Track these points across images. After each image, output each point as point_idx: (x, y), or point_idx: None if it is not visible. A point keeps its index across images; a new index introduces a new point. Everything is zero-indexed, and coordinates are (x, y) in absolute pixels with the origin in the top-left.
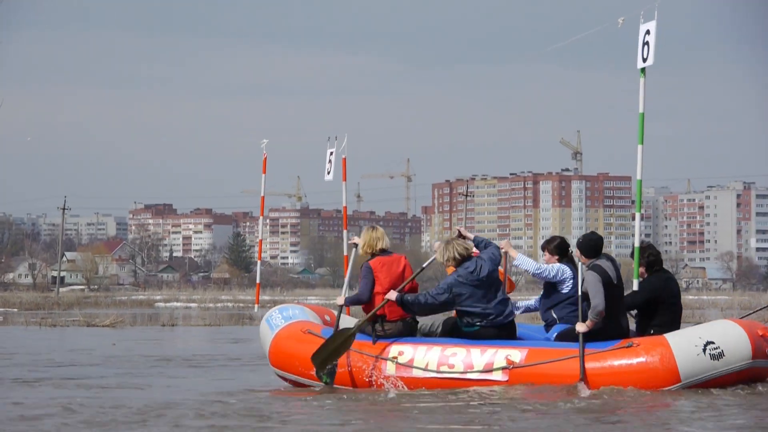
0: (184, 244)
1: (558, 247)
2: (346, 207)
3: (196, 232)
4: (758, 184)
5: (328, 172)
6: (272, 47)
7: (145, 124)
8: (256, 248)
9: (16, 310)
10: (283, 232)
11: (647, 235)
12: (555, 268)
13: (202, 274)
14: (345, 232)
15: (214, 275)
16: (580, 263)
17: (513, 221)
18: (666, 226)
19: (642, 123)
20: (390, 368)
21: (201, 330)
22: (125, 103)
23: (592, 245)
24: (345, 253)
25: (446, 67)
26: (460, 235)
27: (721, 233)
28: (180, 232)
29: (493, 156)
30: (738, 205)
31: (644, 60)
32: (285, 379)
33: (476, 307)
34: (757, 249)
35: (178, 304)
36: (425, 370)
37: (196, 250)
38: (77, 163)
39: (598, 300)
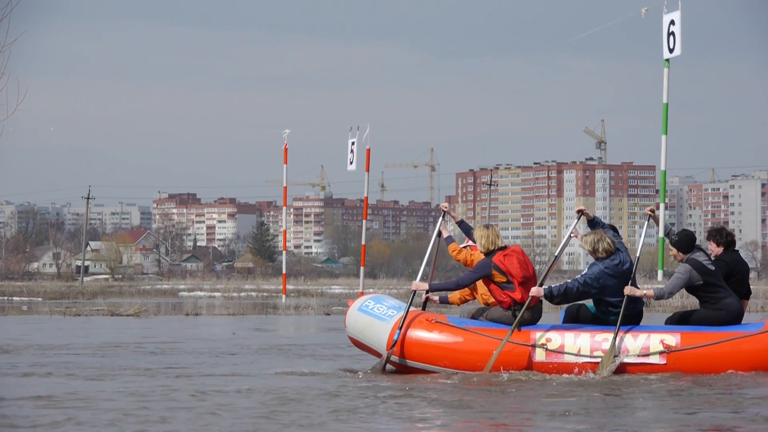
0: (207, 234)
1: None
2: (367, 198)
3: (219, 221)
4: None
5: (351, 162)
6: (296, 38)
7: (170, 115)
8: (280, 237)
9: (40, 299)
10: (306, 222)
11: (672, 224)
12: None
13: (225, 263)
14: (364, 222)
15: (237, 264)
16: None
17: (537, 210)
18: (690, 216)
19: (666, 113)
20: (540, 354)
21: (225, 319)
22: (150, 93)
23: (687, 242)
24: (363, 242)
25: (471, 58)
26: (581, 212)
27: (746, 222)
28: (204, 222)
29: (516, 145)
30: (762, 194)
31: (671, 51)
32: (404, 368)
33: (617, 297)
34: None
35: (202, 293)
36: (578, 355)
37: (220, 240)
38: (101, 152)
39: (671, 289)
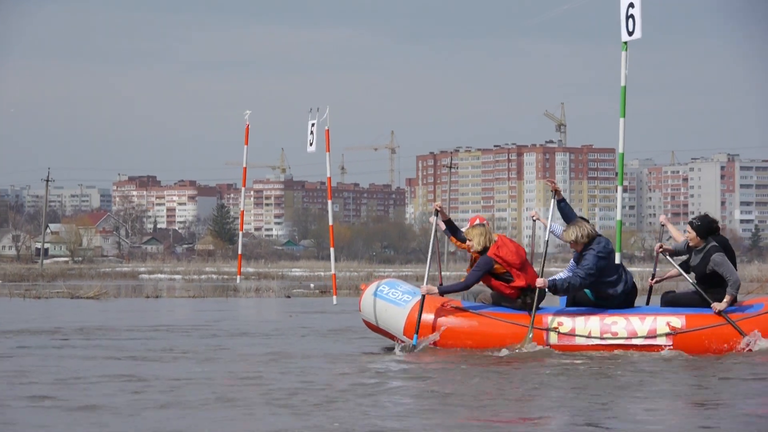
0: (168, 216)
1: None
2: (330, 178)
3: (180, 203)
4: (742, 156)
5: (311, 144)
6: (255, 20)
7: (129, 97)
8: (239, 219)
9: (0, 281)
10: (267, 204)
11: (632, 207)
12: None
13: (186, 246)
14: (329, 203)
15: (198, 247)
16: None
17: (497, 193)
18: (650, 198)
19: (624, 96)
20: (553, 338)
21: (186, 302)
22: (109, 75)
23: (708, 228)
24: (330, 223)
25: (430, 40)
26: (554, 188)
27: (705, 205)
28: (164, 204)
29: (476, 128)
30: (722, 177)
31: (630, 33)
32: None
33: (613, 276)
34: (741, 221)
35: (163, 276)
36: (588, 337)
37: (180, 222)
38: (61, 135)
39: (736, 276)
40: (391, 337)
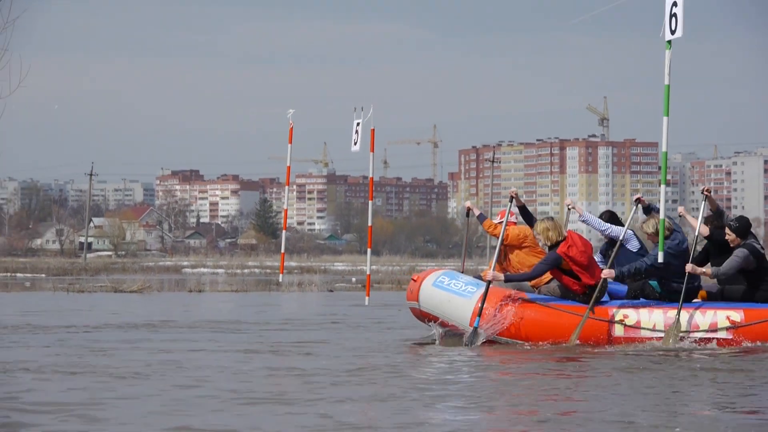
0: (211, 210)
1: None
2: (372, 178)
3: (223, 198)
4: None
5: (355, 143)
6: (299, 15)
7: (173, 91)
8: (283, 216)
9: (44, 275)
10: (309, 198)
11: (674, 201)
12: (620, 228)
13: (229, 240)
14: (370, 203)
15: (241, 241)
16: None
17: (539, 187)
18: (693, 192)
19: (668, 95)
20: (619, 330)
21: (228, 296)
22: (153, 69)
23: (745, 228)
24: (369, 224)
25: (474, 35)
26: (639, 200)
27: (749, 199)
28: (207, 198)
29: (519, 122)
30: (765, 170)
31: (672, 32)
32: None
33: (680, 275)
34: None
35: (205, 270)
36: (653, 330)
37: (223, 216)
38: (104, 129)
39: (726, 269)
40: (451, 326)
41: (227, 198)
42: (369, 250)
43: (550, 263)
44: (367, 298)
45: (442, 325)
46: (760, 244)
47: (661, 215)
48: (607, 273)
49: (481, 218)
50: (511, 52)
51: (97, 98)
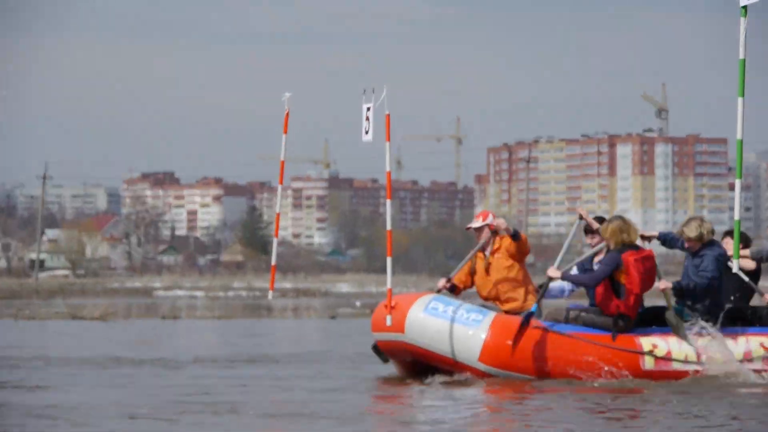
0: (188, 221)
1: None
2: (389, 173)
3: (203, 205)
4: None
5: (366, 132)
6: None
7: (143, 78)
8: (275, 222)
9: None
10: (307, 206)
11: (747, 209)
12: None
13: (210, 256)
14: (388, 203)
15: (224, 258)
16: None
17: (585, 192)
18: None
19: (743, 71)
20: (649, 362)
21: (209, 323)
22: (118, 53)
23: None
24: (388, 228)
25: (503, 12)
26: (581, 218)
27: None
28: (184, 206)
29: (561, 114)
30: None
31: None
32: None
33: (724, 293)
34: None
35: (182, 292)
36: (686, 362)
37: (203, 228)
38: (61, 124)
39: None
40: (448, 363)
41: (208, 206)
42: (389, 259)
43: (609, 263)
44: (389, 317)
45: (430, 360)
46: None
47: (736, 215)
48: (663, 284)
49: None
50: (550, 29)
51: (52, 88)
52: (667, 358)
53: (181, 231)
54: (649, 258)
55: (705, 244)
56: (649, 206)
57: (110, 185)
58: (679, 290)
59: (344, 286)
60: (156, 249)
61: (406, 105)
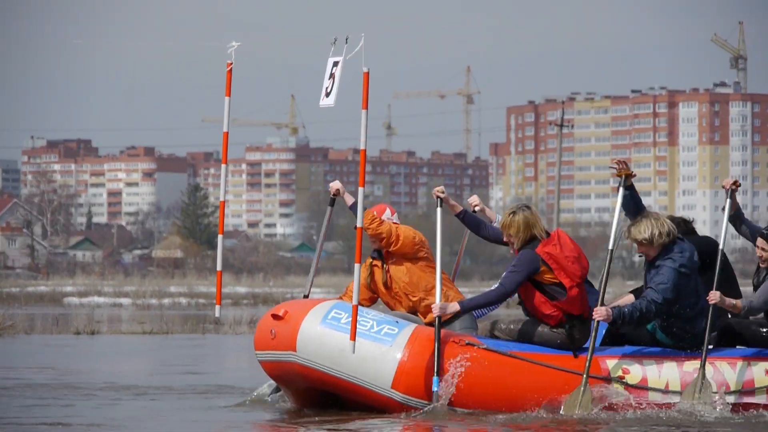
0: (110, 204)
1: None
2: (364, 151)
3: (129, 183)
4: None
5: (327, 94)
6: None
7: (49, 22)
8: (219, 212)
9: None
10: (268, 185)
11: None
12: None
13: (139, 251)
14: (360, 191)
15: (158, 254)
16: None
17: (636, 167)
18: None
19: None
20: (619, 392)
21: (138, 339)
22: None
23: None
24: (358, 225)
25: None
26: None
27: None
28: (104, 185)
29: (603, 65)
30: None
31: None
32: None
33: (697, 306)
34: None
35: (102, 299)
36: (666, 392)
37: (130, 214)
38: None
39: (762, 302)
40: (354, 390)
41: (136, 184)
42: (357, 266)
43: (523, 267)
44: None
45: (330, 386)
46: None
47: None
48: (602, 314)
49: (356, 209)
50: None
51: None
52: (643, 386)
53: (101, 218)
54: (564, 239)
55: (664, 249)
56: (721, 186)
57: (6, 157)
58: (619, 319)
59: (317, 291)
60: (67, 242)
61: (399, 53)
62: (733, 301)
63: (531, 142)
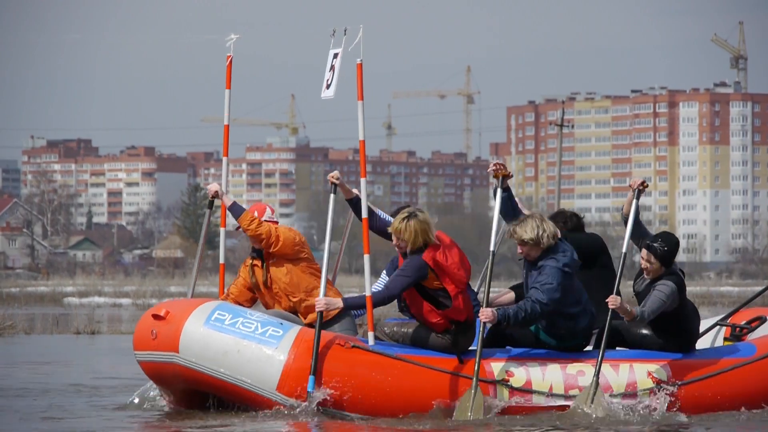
0: (110, 204)
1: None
2: (363, 142)
3: (129, 183)
4: None
5: (328, 86)
6: None
7: (51, 23)
8: (221, 210)
9: None
10: (268, 185)
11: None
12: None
13: (139, 251)
14: (363, 181)
15: (158, 254)
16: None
17: (637, 166)
18: None
19: None
20: (503, 394)
21: None
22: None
23: (674, 253)
24: (364, 215)
25: None
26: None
27: None
28: (104, 185)
29: (604, 65)
30: None
31: None
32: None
33: (579, 304)
34: None
35: (102, 299)
36: (550, 395)
37: (130, 214)
38: None
39: (651, 311)
40: (238, 394)
41: (136, 184)
42: (367, 257)
43: (412, 273)
44: (371, 335)
45: (213, 389)
46: (683, 273)
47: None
48: (488, 315)
49: (237, 211)
50: None
51: None
52: (527, 389)
53: (101, 218)
54: (443, 239)
55: (546, 251)
56: (722, 186)
57: (7, 157)
58: (505, 320)
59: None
60: (67, 242)
61: (400, 53)
62: (629, 308)
63: (531, 142)
